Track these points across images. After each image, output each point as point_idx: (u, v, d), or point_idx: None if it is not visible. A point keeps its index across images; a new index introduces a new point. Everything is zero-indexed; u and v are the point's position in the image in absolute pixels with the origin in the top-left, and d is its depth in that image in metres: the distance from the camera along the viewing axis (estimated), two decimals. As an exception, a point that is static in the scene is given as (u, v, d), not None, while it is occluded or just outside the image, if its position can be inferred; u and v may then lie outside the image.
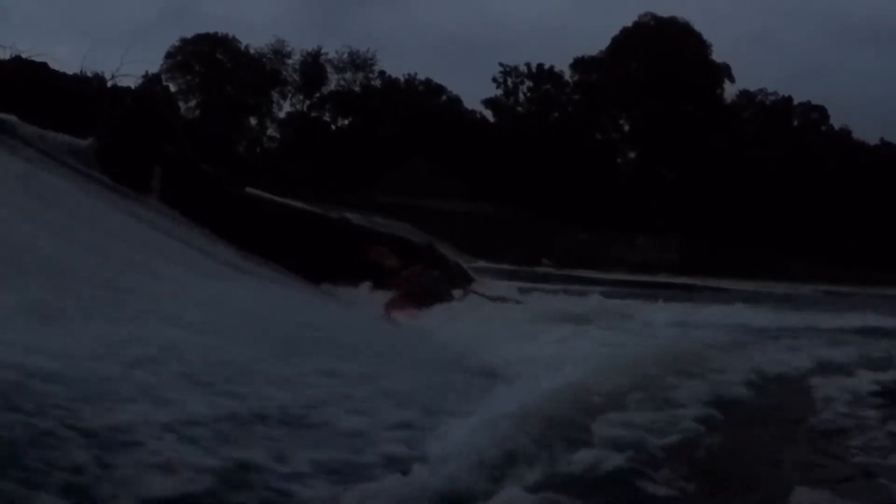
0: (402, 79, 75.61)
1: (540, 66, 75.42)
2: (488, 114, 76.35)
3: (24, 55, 38.17)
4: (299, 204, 22.19)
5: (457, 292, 15.68)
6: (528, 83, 76.16)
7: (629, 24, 75.19)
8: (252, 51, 74.49)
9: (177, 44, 72.17)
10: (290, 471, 4.23)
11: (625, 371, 7.55)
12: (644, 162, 74.05)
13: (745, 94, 77.29)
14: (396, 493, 4.09)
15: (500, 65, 75.70)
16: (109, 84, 40.83)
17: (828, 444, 6.31)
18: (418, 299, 14.04)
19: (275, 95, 75.47)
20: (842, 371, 9.98)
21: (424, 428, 5.39)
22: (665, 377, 7.46)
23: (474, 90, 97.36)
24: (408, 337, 11.01)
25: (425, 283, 15.02)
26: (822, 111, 76.66)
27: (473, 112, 75.94)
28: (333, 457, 4.54)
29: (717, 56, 74.90)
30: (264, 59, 74.80)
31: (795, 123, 77.05)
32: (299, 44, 76.28)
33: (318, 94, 75.26)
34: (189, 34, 73.56)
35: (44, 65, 37.83)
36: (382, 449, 4.81)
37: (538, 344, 9.99)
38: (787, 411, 7.68)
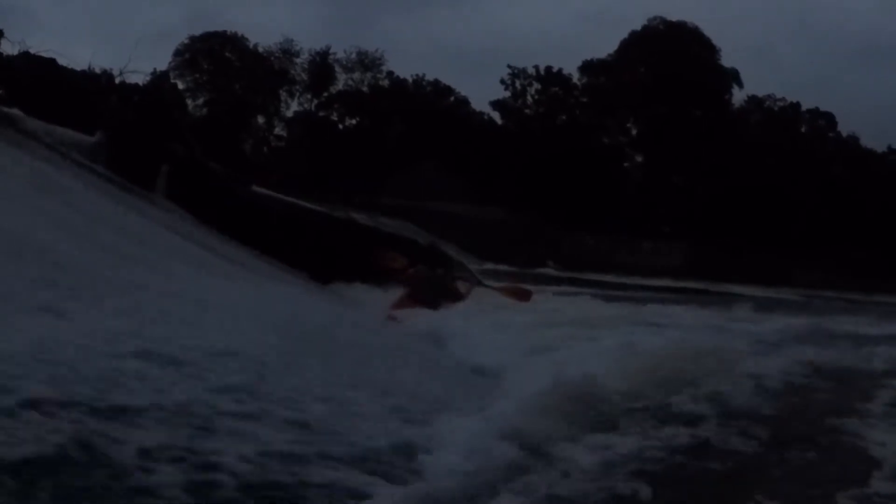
0: (410, 79, 75.47)
1: (548, 68, 75.20)
2: (496, 116, 76.18)
3: (32, 51, 38.14)
4: (305, 203, 22.18)
5: (463, 291, 15.61)
6: (537, 85, 75.86)
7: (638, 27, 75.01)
8: (260, 49, 74.37)
9: (185, 41, 72.03)
10: (293, 470, 4.17)
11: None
12: (651, 166, 73.81)
13: (753, 100, 76.97)
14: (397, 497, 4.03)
15: (509, 67, 75.46)
16: (117, 81, 40.85)
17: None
18: (424, 299, 13.98)
19: (283, 94, 75.26)
20: None
21: (427, 429, 5.33)
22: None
23: (483, 94, 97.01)
24: (411, 337, 10.93)
25: (430, 283, 14.96)
26: (829, 118, 76.34)
27: (481, 114, 75.75)
28: (335, 456, 4.47)
29: (726, 62, 74.73)
30: (272, 58, 74.66)
31: (803, 130, 76.78)
32: (311, 48, 75.63)
33: (326, 94, 75.01)
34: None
35: (52, 60, 37.84)
36: (384, 450, 4.73)
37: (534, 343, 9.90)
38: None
